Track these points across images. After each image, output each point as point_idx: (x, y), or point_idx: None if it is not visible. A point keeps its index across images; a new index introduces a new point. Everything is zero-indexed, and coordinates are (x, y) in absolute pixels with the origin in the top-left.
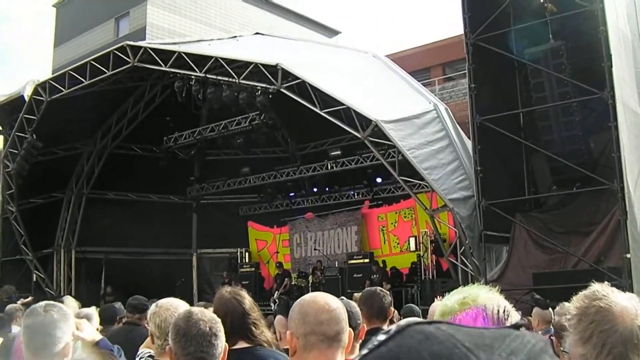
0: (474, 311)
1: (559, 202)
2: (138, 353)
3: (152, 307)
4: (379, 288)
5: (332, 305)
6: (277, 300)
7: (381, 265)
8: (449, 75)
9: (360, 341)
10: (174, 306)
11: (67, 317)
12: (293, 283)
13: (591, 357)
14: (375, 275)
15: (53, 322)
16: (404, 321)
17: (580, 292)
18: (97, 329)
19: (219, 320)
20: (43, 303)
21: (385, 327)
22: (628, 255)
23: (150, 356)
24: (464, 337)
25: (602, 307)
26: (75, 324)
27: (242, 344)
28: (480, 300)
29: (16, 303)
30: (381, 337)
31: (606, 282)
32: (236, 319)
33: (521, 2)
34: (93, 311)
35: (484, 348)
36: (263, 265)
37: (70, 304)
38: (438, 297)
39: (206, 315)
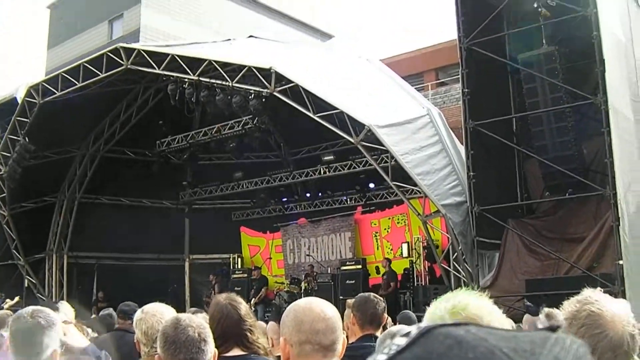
0: None
1: (552, 207)
2: None
3: (138, 314)
4: (372, 294)
5: (328, 313)
6: (253, 308)
7: (376, 272)
8: (442, 80)
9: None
10: (160, 312)
11: (54, 324)
12: (286, 289)
13: None
14: (384, 276)
15: (40, 328)
16: (424, 323)
17: (572, 297)
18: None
19: (207, 325)
20: (30, 309)
21: (378, 334)
22: (621, 262)
23: None
24: (498, 342)
25: (593, 312)
26: (63, 330)
27: (236, 351)
28: (470, 308)
29: (2, 308)
30: (400, 340)
31: (599, 288)
32: (231, 324)
33: (515, 7)
34: (64, 306)
35: (523, 354)
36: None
37: (65, 309)
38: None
39: (194, 321)
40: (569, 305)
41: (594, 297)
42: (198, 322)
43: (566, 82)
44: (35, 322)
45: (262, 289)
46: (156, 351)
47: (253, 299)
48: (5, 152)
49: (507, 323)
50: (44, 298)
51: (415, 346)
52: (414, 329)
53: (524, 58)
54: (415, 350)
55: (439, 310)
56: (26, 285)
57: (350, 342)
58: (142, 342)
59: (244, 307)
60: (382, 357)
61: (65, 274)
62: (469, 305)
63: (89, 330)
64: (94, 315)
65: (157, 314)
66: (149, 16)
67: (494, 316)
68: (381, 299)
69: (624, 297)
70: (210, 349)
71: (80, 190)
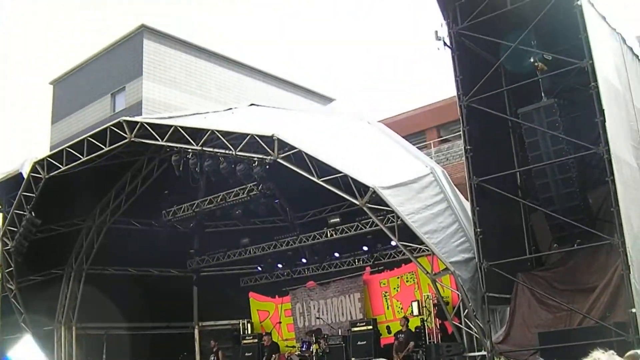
0: None
1: (561, 259)
2: None
3: None
4: None
5: None
6: None
7: (387, 332)
8: (444, 137)
9: None
10: None
11: None
12: (297, 353)
13: None
14: (401, 335)
15: None
16: None
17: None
18: None
19: None
20: None
21: None
22: (634, 310)
23: None
24: None
25: None
26: None
27: None
28: None
29: None
30: None
31: (611, 351)
32: None
33: (512, 62)
34: None
35: None
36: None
37: None
38: None
39: None
40: None
41: (603, 359)
42: None
43: (567, 134)
44: None
45: (274, 356)
46: None
47: None
48: (12, 226)
49: None
50: None
51: None
52: None
53: (524, 112)
54: None
55: None
56: None
57: None
58: None
59: None
60: None
61: (75, 345)
62: None
63: None
64: None
65: None
66: (150, 88)
67: None
68: None
69: (639, 346)
70: None
71: (87, 262)
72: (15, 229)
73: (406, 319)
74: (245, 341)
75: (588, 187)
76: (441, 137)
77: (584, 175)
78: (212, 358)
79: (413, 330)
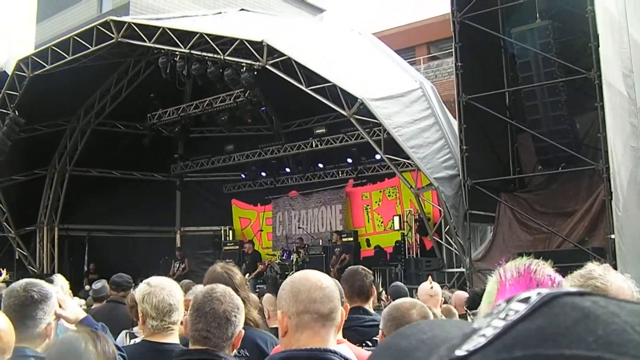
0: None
1: (544, 182)
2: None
3: (144, 287)
4: (360, 267)
5: (325, 282)
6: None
7: (367, 244)
8: (434, 54)
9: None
10: (169, 286)
11: (48, 297)
12: (277, 262)
13: None
14: (337, 249)
15: (33, 302)
16: (544, 290)
17: (575, 271)
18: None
19: (240, 305)
20: (23, 282)
21: (367, 306)
22: (612, 236)
23: (131, 334)
24: (630, 317)
25: (597, 287)
26: (59, 302)
27: None
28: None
29: None
30: (519, 306)
31: (606, 264)
32: None
33: None
34: (59, 279)
35: None
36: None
37: (59, 282)
38: (430, 275)
39: (227, 297)
40: (573, 279)
41: (597, 272)
42: (231, 299)
43: (559, 57)
44: (29, 296)
45: (258, 265)
46: (166, 324)
47: (247, 274)
48: None
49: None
50: (35, 270)
51: (538, 315)
52: (533, 295)
53: (518, 32)
54: (538, 320)
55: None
56: (17, 257)
57: None
58: (150, 316)
59: (239, 278)
60: (499, 323)
61: (57, 247)
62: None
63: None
64: (87, 287)
65: (166, 288)
66: None
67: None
68: (369, 271)
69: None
70: (232, 329)
71: (71, 163)
72: None
73: (339, 233)
74: (226, 247)
75: (577, 111)
76: (431, 54)
77: (574, 100)
78: (178, 265)
79: (392, 244)
